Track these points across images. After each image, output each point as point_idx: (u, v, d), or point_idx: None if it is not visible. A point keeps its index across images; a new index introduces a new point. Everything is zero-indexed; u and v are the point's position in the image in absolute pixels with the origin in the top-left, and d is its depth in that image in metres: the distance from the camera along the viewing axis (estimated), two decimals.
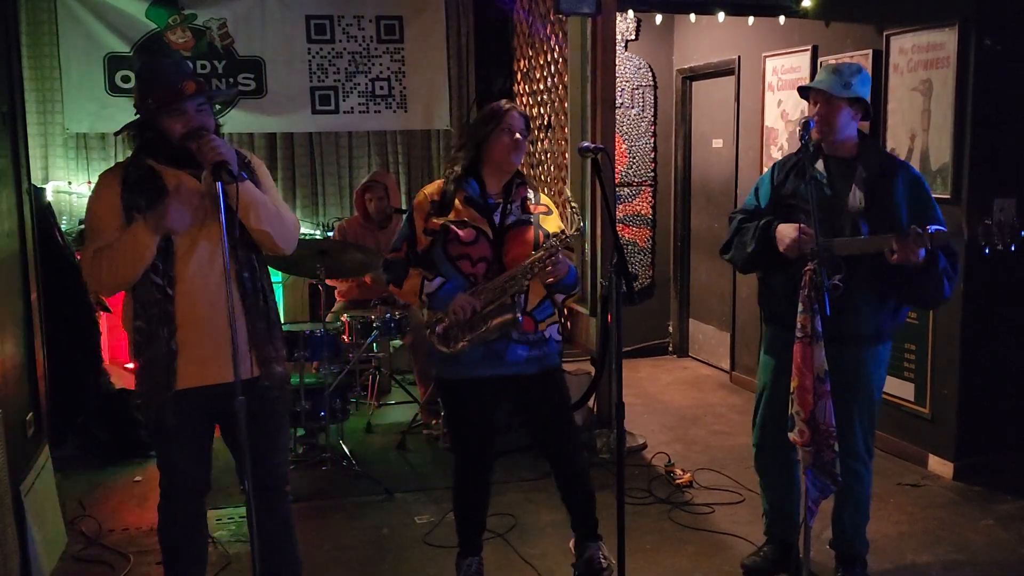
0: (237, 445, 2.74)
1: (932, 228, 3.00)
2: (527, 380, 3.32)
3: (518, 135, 3.25)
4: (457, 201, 3.25)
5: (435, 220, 3.24)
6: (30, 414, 3.85)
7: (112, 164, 6.19)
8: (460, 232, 3.20)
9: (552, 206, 3.41)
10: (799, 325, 3.07)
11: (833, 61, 5.22)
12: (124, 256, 2.66)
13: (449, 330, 3.21)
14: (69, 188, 6.20)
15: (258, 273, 2.85)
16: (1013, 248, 2.92)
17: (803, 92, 3.43)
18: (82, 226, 5.96)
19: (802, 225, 3.22)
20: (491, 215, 3.26)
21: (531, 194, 3.36)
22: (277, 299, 3.12)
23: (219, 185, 2.57)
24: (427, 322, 3.28)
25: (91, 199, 2.82)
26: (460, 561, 3.52)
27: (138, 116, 2.78)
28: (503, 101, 3.37)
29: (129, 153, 6.27)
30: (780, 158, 3.61)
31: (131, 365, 2.89)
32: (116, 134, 2.83)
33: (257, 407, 2.70)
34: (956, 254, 3.22)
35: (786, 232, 3.25)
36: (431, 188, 3.34)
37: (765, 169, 5.44)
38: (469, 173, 3.28)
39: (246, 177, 2.76)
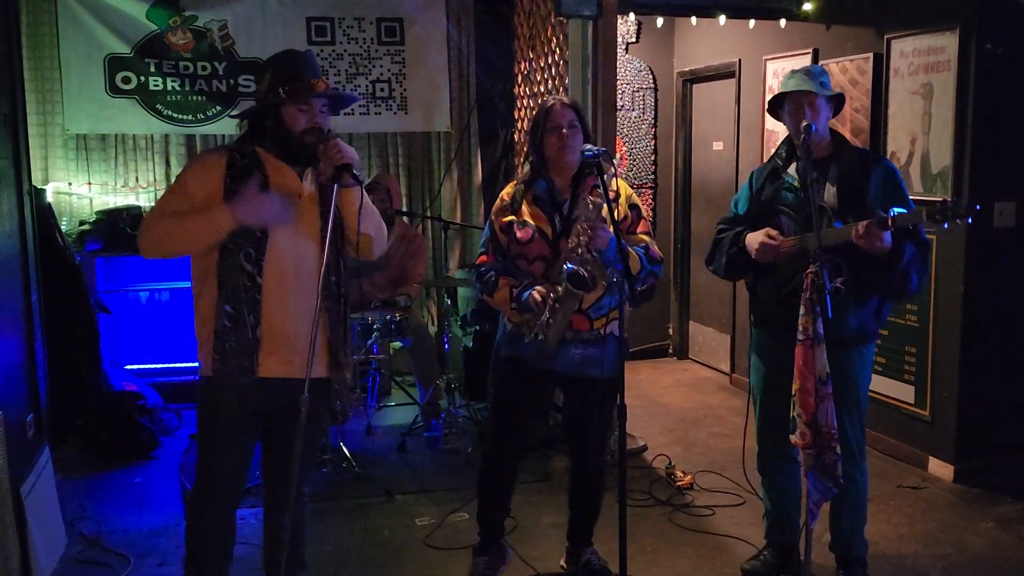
0: (280, 444, 2.80)
1: (893, 211, 3.03)
2: (580, 382, 3.33)
3: (565, 130, 3.24)
4: (525, 201, 3.30)
5: (503, 219, 3.32)
6: (30, 415, 3.85)
7: (112, 165, 6.26)
8: (518, 232, 3.26)
9: (624, 189, 3.37)
10: (800, 327, 3.08)
11: (835, 63, 5.23)
12: (193, 231, 2.67)
13: (544, 326, 3.19)
14: (69, 189, 6.19)
15: (343, 278, 2.88)
16: (970, 220, 2.99)
17: (777, 100, 3.41)
18: (82, 227, 5.97)
19: (768, 229, 3.30)
20: (557, 212, 3.27)
21: (599, 184, 3.26)
22: None
23: (335, 187, 2.64)
24: (528, 325, 3.24)
25: (188, 168, 2.84)
26: (476, 558, 3.58)
27: (260, 103, 2.81)
28: (548, 97, 3.40)
29: (127, 156, 6.34)
30: (758, 167, 3.64)
31: (194, 364, 2.87)
32: (240, 118, 2.87)
33: (314, 408, 2.71)
34: (927, 244, 3.24)
35: (754, 239, 3.34)
36: (507, 189, 3.41)
37: None
38: (538, 174, 3.32)
39: (364, 182, 2.82)
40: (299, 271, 2.77)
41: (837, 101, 3.42)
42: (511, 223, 3.30)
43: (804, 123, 3.25)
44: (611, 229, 3.09)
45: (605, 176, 3.12)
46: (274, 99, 2.75)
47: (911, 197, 3.39)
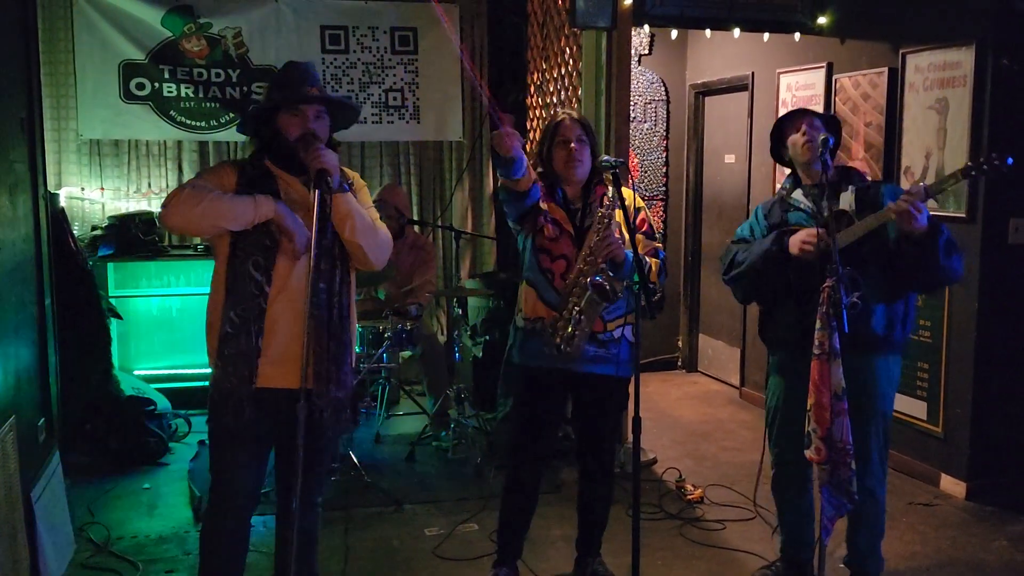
0: (287, 453, 2.77)
1: (923, 185, 3.10)
2: (593, 379, 3.35)
3: (573, 144, 3.28)
4: (549, 204, 3.33)
5: (543, 204, 3.31)
6: (42, 419, 3.85)
7: (125, 171, 6.28)
8: (547, 225, 3.29)
9: (630, 196, 3.37)
10: (816, 342, 3.07)
11: (848, 78, 5.23)
12: (235, 209, 2.68)
13: (563, 331, 3.22)
14: (82, 194, 6.21)
15: (337, 288, 2.84)
16: (1010, 161, 3.05)
17: (782, 121, 3.47)
18: (94, 232, 5.99)
19: (810, 229, 3.28)
20: (574, 219, 3.32)
21: (610, 191, 3.31)
22: None
23: (317, 193, 2.62)
24: (549, 330, 3.27)
25: (203, 172, 2.90)
26: (497, 570, 3.55)
27: (257, 114, 2.84)
28: (557, 111, 3.43)
29: (140, 163, 6.36)
30: (763, 201, 3.67)
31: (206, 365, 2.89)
32: (238, 129, 2.89)
33: (308, 417, 2.69)
34: (954, 242, 3.24)
35: (798, 237, 3.31)
36: None
37: (778, 185, 5.43)
38: (552, 184, 3.35)
39: (348, 188, 2.80)
40: (297, 281, 2.76)
41: (835, 129, 3.47)
42: (543, 209, 3.31)
43: (822, 136, 3.26)
44: (626, 237, 3.15)
45: (610, 190, 3.20)
46: (267, 105, 2.80)
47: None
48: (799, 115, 3.43)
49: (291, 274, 2.76)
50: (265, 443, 2.90)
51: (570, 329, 3.19)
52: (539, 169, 3.39)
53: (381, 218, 5.64)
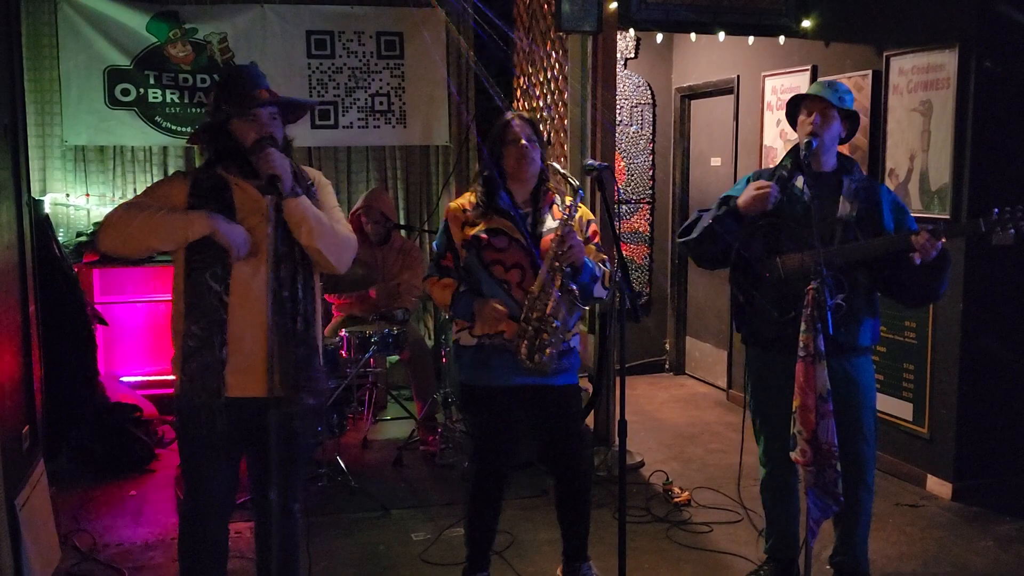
0: (259, 461, 2.75)
1: (944, 224, 3.18)
2: (551, 391, 3.34)
3: (524, 142, 3.28)
4: (490, 211, 3.31)
5: (468, 230, 3.30)
6: (26, 427, 3.82)
7: (110, 177, 6.26)
8: (494, 239, 3.27)
9: (582, 208, 3.41)
10: (801, 344, 3.08)
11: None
12: (168, 227, 2.66)
13: (530, 343, 3.20)
14: (67, 200, 6.18)
15: (300, 295, 2.80)
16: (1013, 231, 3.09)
17: (796, 101, 3.45)
18: (79, 238, 5.95)
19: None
20: (523, 224, 3.30)
21: (558, 199, 3.40)
22: None
23: (270, 198, 2.61)
24: (514, 343, 3.24)
25: (150, 188, 2.87)
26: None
27: (208, 122, 2.80)
28: (508, 113, 3.42)
29: (125, 169, 6.33)
30: (756, 170, 3.65)
31: (172, 377, 2.85)
32: (189, 141, 2.85)
33: (280, 425, 2.69)
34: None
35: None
36: (462, 200, 3.41)
37: None
38: (497, 186, 3.33)
39: (300, 192, 2.75)
40: (258, 289, 2.73)
41: (851, 123, 3.42)
42: (478, 235, 3.28)
43: (807, 139, 3.27)
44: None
45: (559, 198, 3.30)
46: (219, 116, 2.75)
47: (911, 215, 3.46)
48: (817, 102, 3.33)
49: (251, 282, 2.72)
50: (237, 449, 2.88)
51: (546, 337, 3.17)
52: (485, 173, 3.37)
53: (367, 223, 5.70)
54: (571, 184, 3.37)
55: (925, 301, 3.48)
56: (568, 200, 3.35)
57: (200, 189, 2.74)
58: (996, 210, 3.11)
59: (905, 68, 4.79)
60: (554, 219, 3.32)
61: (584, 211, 3.41)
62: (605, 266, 3.37)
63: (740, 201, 3.33)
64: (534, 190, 3.37)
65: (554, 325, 3.17)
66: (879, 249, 3.23)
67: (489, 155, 3.37)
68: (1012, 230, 3.09)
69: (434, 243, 3.45)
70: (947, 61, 4.51)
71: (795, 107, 3.45)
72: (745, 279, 3.47)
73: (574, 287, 3.17)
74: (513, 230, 3.28)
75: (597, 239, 3.41)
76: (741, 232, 3.34)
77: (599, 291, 3.35)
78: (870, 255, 3.25)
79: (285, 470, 2.82)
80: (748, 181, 3.52)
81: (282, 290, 2.74)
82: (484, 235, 3.27)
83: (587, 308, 3.30)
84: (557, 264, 3.18)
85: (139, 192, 5.97)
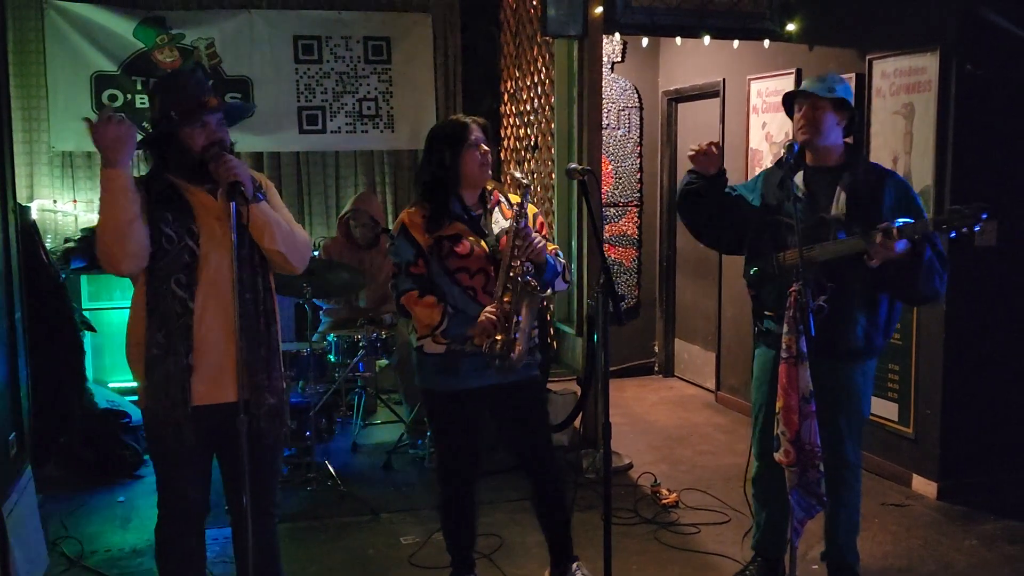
0: (230, 465, 2.73)
1: (899, 222, 3.07)
2: (509, 387, 3.33)
3: (484, 146, 3.27)
4: (444, 218, 3.26)
5: (427, 237, 3.24)
6: (12, 434, 3.83)
7: (97, 183, 6.23)
8: (456, 247, 3.22)
9: (530, 208, 3.40)
10: (784, 345, 3.10)
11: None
12: (104, 205, 2.61)
13: (499, 345, 3.19)
14: (54, 206, 6.18)
15: (261, 296, 2.81)
16: (977, 228, 2.99)
17: (789, 99, 3.47)
18: (67, 244, 5.95)
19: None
20: (478, 227, 3.29)
21: (502, 198, 3.40)
22: None
23: (232, 205, 2.59)
24: (485, 350, 3.21)
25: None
26: None
27: (154, 130, 2.78)
28: (459, 116, 3.40)
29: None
30: (767, 168, 3.67)
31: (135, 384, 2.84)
32: (137, 147, 2.84)
33: (250, 429, 2.68)
34: (943, 254, 3.25)
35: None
36: (414, 209, 3.32)
37: None
38: (447, 191, 3.27)
39: (262, 198, 2.77)
40: (221, 294, 2.72)
41: (848, 112, 3.37)
42: (441, 239, 3.23)
43: (788, 142, 3.29)
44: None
45: (503, 197, 3.32)
46: (168, 125, 2.73)
47: (921, 208, 3.39)
48: (806, 97, 3.33)
49: (215, 290, 2.71)
50: (207, 455, 2.88)
51: (512, 335, 3.16)
52: (426, 179, 3.30)
53: (355, 226, 5.71)
54: (519, 181, 3.39)
55: (916, 301, 3.44)
56: (515, 198, 3.35)
57: (156, 197, 2.72)
58: (951, 208, 3.09)
59: (887, 71, 4.83)
60: (505, 219, 3.31)
61: (531, 207, 3.36)
62: (559, 257, 3.37)
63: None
64: (481, 192, 3.34)
65: (516, 321, 3.16)
66: (844, 250, 3.20)
67: (440, 159, 3.27)
68: (954, 233, 3.03)
69: (393, 255, 3.31)
70: (928, 64, 4.55)
71: (790, 106, 3.46)
72: (753, 275, 3.50)
73: (534, 282, 3.15)
74: (470, 235, 3.26)
75: (544, 231, 3.39)
76: (713, 193, 3.49)
77: (560, 285, 3.39)
78: (838, 255, 3.21)
79: (257, 473, 2.81)
80: (757, 183, 3.58)
81: (245, 292, 2.74)
82: (447, 241, 3.22)
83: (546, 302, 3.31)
84: (516, 263, 3.17)
85: None
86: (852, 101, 3.39)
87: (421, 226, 3.26)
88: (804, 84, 3.42)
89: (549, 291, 3.39)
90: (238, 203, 2.59)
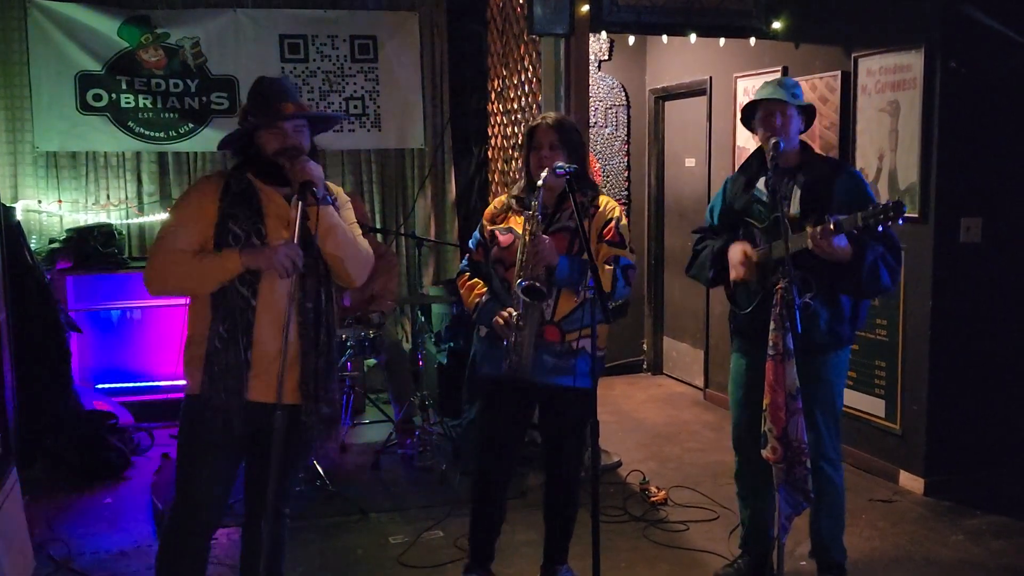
0: (261, 462, 2.75)
1: (834, 217, 3.14)
2: (553, 390, 3.34)
3: (545, 151, 3.29)
4: (513, 211, 3.38)
5: (488, 227, 3.42)
6: None
7: (83, 183, 6.22)
8: (500, 237, 3.36)
9: (605, 203, 3.38)
10: (770, 343, 3.11)
11: (805, 81, 5.30)
12: (205, 275, 2.71)
13: (512, 348, 3.22)
14: (39, 207, 6.14)
15: (323, 307, 2.84)
16: (901, 222, 3.03)
17: (751, 108, 3.48)
18: (52, 245, 5.92)
19: (746, 246, 3.40)
20: (535, 224, 3.26)
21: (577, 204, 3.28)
22: None
23: (300, 204, 2.65)
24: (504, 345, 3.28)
25: (183, 198, 2.90)
26: (467, 574, 3.56)
27: (235, 131, 2.85)
28: (539, 116, 3.49)
29: (98, 174, 6.29)
30: (731, 175, 3.71)
31: (183, 382, 2.87)
32: (219, 147, 2.89)
33: (289, 431, 2.70)
34: (896, 245, 3.32)
35: (733, 258, 3.42)
36: (498, 199, 3.50)
37: None
38: (532, 188, 3.31)
39: (331, 201, 2.81)
40: (282, 296, 2.75)
41: (808, 114, 3.47)
42: (492, 230, 3.40)
43: (773, 140, 3.30)
44: (582, 247, 3.19)
45: (578, 194, 3.16)
46: (247, 125, 2.82)
47: (872, 200, 3.39)
48: (775, 103, 3.36)
49: (277, 290, 2.75)
50: (239, 456, 2.90)
51: (516, 339, 3.19)
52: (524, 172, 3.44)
53: None
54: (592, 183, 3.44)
55: (863, 296, 3.46)
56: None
57: (231, 192, 2.77)
58: (876, 205, 3.10)
59: (873, 69, 4.85)
60: (570, 220, 3.29)
61: (609, 207, 3.34)
62: (617, 263, 3.26)
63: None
64: (562, 192, 3.29)
65: (519, 326, 3.18)
66: (793, 247, 3.20)
67: (522, 158, 3.44)
68: (881, 228, 3.05)
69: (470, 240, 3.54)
70: (913, 62, 4.57)
71: (750, 112, 3.49)
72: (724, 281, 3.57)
73: (539, 286, 3.12)
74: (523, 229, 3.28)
75: (610, 236, 3.31)
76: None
77: (621, 291, 3.28)
78: (791, 252, 3.20)
79: (286, 473, 2.85)
80: (724, 193, 3.62)
81: (306, 301, 2.79)
82: (497, 233, 3.38)
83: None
84: (527, 268, 3.17)
85: (130, 198, 6.17)
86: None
87: (490, 215, 3.47)
88: (767, 91, 3.42)
89: (583, 294, 3.27)
90: (307, 203, 2.66)
